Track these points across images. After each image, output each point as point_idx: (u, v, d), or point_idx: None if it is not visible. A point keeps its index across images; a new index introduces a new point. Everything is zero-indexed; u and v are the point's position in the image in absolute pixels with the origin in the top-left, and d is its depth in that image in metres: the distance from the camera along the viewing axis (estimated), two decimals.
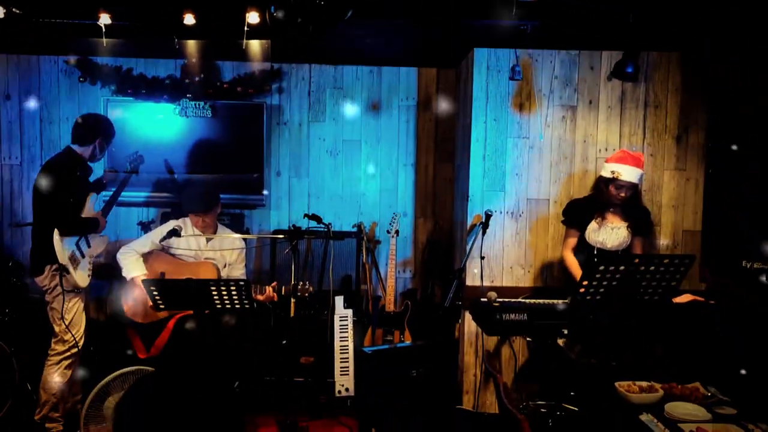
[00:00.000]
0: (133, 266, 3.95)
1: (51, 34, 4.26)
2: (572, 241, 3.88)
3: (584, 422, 3.22)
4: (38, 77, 5.01)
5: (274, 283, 3.92)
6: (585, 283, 2.95)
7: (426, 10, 3.80)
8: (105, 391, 3.41)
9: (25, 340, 3.99)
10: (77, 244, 3.83)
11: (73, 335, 3.76)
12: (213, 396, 1.28)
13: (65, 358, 3.78)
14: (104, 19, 3.67)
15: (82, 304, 3.87)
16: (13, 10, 3.60)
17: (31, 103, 5.02)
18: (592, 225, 3.79)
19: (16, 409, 3.73)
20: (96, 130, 3.88)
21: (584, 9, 3.56)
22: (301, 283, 3.85)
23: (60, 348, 3.78)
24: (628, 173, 3.68)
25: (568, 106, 4.28)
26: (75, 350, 3.79)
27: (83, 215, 3.87)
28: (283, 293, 3.90)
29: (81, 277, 3.80)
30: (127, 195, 4.73)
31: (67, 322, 3.75)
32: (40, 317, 4.13)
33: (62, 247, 3.68)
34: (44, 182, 3.76)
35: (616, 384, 2.82)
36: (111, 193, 4.26)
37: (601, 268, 2.94)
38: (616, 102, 4.27)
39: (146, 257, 4.05)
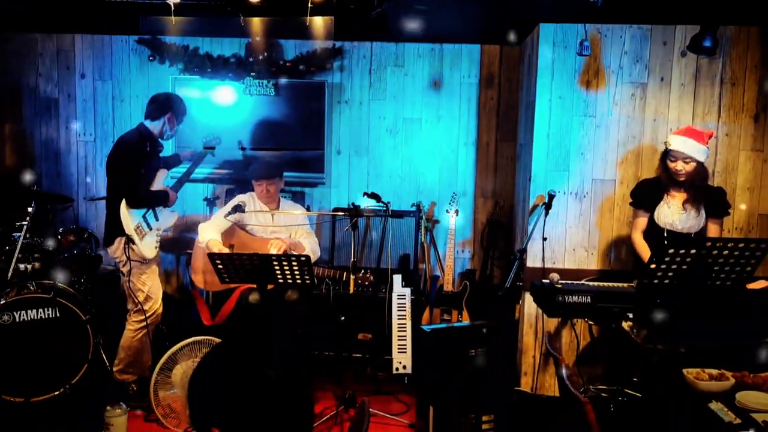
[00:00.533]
0: (207, 233, 4.08)
1: (123, 14, 4.39)
2: (642, 222, 3.74)
3: (648, 408, 3.15)
4: (110, 56, 5.19)
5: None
6: (653, 266, 2.86)
7: None
8: (173, 360, 3.54)
9: (99, 308, 4.18)
10: (144, 217, 3.97)
11: (143, 309, 3.93)
12: (277, 368, 1.32)
13: (142, 327, 3.97)
14: None
15: (157, 276, 4.04)
16: None
17: (104, 82, 5.21)
18: (662, 206, 3.66)
19: (92, 372, 3.92)
20: (166, 106, 4.00)
21: None
22: (362, 271, 3.86)
23: (137, 317, 3.96)
24: (680, 143, 3.50)
25: (638, 83, 4.13)
26: (152, 320, 3.98)
27: (152, 189, 4.01)
28: (344, 279, 3.94)
29: (147, 248, 3.94)
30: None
31: (143, 296, 3.94)
32: (113, 286, 4.33)
33: (129, 218, 3.84)
34: (115, 156, 3.94)
35: (684, 371, 2.73)
36: (184, 170, 4.39)
37: (671, 251, 2.84)
38: (690, 79, 4.09)
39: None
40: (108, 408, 3.46)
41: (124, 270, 3.94)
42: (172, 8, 3.82)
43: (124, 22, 4.74)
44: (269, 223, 4.23)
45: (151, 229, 4.01)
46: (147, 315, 3.95)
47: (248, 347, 1.52)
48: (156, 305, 4.01)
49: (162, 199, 4.08)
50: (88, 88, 5.22)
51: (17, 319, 3.74)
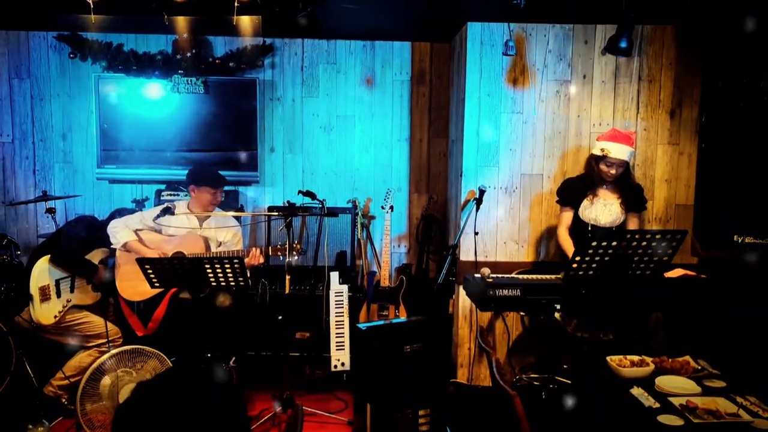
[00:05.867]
0: (122, 234, 3.97)
1: (40, 10, 4.19)
2: (567, 218, 3.91)
3: (576, 395, 3.27)
4: (27, 53, 4.95)
5: (260, 247, 3.93)
6: (578, 258, 2.98)
7: None
8: (100, 370, 3.43)
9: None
10: (58, 281, 3.81)
11: (95, 346, 3.85)
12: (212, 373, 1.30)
13: (98, 350, 3.84)
14: None
15: (93, 316, 3.90)
16: None
17: (21, 80, 4.97)
18: (585, 202, 3.81)
19: (16, 384, 3.75)
20: None
21: None
22: (294, 242, 3.82)
23: (95, 347, 3.85)
24: (617, 150, 3.69)
25: (562, 81, 4.26)
26: (106, 347, 3.81)
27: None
28: (270, 254, 3.90)
29: (43, 314, 3.73)
30: (121, 172, 4.75)
31: (93, 333, 3.84)
32: None
33: (38, 275, 3.74)
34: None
35: (608, 358, 2.86)
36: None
37: (594, 244, 2.96)
38: (610, 76, 4.26)
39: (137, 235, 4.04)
40: (30, 426, 3.32)
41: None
42: (92, 5, 3.67)
43: (42, 18, 4.52)
44: (195, 227, 4.13)
45: (59, 296, 3.81)
46: (106, 345, 3.82)
47: (178, 353, 1.49)
48: (104, 339, 3.83)
49: (86, 270, 3.91)
50: (4, 87, 4.97)
51: None
